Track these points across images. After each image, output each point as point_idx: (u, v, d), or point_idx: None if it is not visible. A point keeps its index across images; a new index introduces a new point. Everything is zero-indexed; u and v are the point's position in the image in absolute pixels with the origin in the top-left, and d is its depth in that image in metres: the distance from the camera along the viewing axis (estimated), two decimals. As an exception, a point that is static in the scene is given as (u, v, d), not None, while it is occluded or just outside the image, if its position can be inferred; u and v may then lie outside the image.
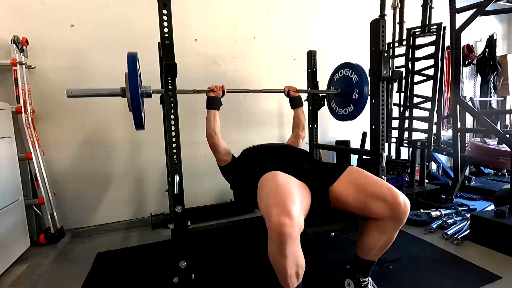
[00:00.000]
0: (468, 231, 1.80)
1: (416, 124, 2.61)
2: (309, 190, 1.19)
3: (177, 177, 1.22)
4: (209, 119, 1.50)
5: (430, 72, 2.47)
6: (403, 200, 1.10)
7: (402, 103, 2.64)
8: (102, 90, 1.37)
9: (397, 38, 2.62)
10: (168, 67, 1.18)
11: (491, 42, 3.60)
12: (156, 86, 1.91)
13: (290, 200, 0.97)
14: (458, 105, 2.45)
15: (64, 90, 2.03)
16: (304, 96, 2.25)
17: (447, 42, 2.61)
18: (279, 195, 1.00)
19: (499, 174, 3.29)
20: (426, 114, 2.48)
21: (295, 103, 1.84)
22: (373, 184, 1.17)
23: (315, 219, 1.14)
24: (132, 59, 1.21)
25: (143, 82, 1.40)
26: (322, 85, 2.27)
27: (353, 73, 1.78)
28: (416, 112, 2.59)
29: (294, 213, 0.92)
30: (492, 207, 2.16)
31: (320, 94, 2.09)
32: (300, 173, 1.22)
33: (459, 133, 2.48)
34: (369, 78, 1.59)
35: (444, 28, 2.43)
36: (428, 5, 2.46)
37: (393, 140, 2.75)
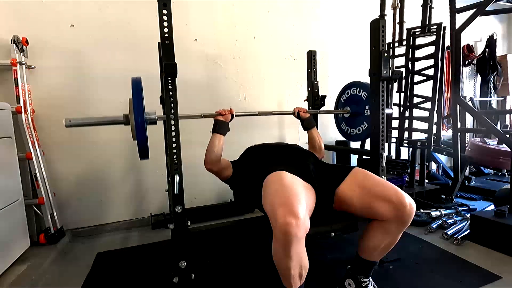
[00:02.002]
0: (468, 231, 1.80)
1: (416, 124, 2.60)
2: (314, 191, 1.18)
3: (177, 177, 1.22)
4: (213, 143, 1.40)
5: (430, 72, 2.47)
6: (409, 202, 1.09)
7: (402, 103, 2.64)
8: (103, 118, 1.29)
9: (397, 38, 2.61)
10: (168, 67, 1.17)
11: (491, 42, 3.60)
12: (156, 87, 1.93)
13: (296, 200, 0.97)
14: (458, 105, 2.45)
15: (63, 90, 2.06)
16: (304, 96, 2.26)
17: (447, 42, 2.60)
18: (285, 195, 1.00)
19: (499, 174, 3.29)
20: (426, 114, 2.48)
21: (307, 124, 1.69)
22: (379, 185, 1.16)
23: (316, 219, 1.14)
24: (137, 85, 1.17)
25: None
26: (322, 85, 2.27)
27: (361, 90, 1.76)
28: (416, 112, 2.59)
29: (301, 214, 0.91)
30: (492, 207, 2.15)
31: (321, 94, 2.09)
32: (306, 174, 1.22)
33: (459, 133, 2.48)
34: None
35: (444, 28, 2.42)
36: (428, 5, 2.46)
37: (393, 140, 2.75)
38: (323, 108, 2.15)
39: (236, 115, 1.54)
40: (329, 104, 2.24)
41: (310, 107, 2.15)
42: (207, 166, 1.42)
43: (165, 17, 1.18)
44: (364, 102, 1.74)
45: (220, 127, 1.44)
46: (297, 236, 0.90)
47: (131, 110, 1.17)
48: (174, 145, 1.23)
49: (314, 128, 1.70)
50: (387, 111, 1.51)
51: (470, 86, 3.85)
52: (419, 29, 2.49)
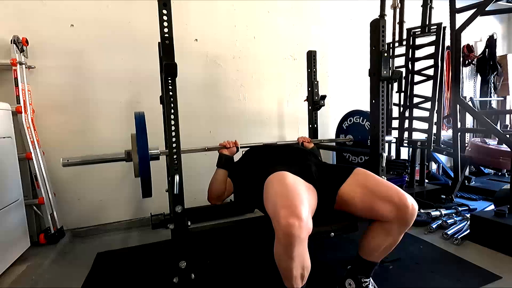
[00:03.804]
0: (468, 231, 1.80)
1: (416, 124, 2.61)
2: (315, 192, 1.18)
3: (177, 177, 1.22)
4: (219, 178, 1.39)
5: (430, 72, 2.46)
6: (411, 203, 1.09)
7: (402, 103, 2.64)
8: (103, 156, 1.24)
9: (397, 38, 2.61)
10: (168, 67, 1.17)
11: (491, 42, 3.60)
12: (156, 87, 1.93)
13: (299, 201, 0.96)
14: (458, 105, 2.45)
15: (63, 90, 2.06)
16: (304, 96, 2.26)
17: (447, 42, 2.60)
18: (288, 196, 0.99)
19: (499, 174, 3.29)
20: (426, 114, 2.48)
21: None
22: (381, 186, 1.16)
23: (316, 219, 1.14)
24: (140, 121, 1.14)
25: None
26: (322, 85, 2.27)
27: (364, 120, 1.75)
28: (416, 112, 2.59)
29: (303, 215, 0.91)
30: (492, 207, 2.15)
31: (320, 94, 2.09)
32: (307, 175, 1.21)
33: (459, 133, 2.48)
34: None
35: (444, 28, 2.42)
36: (428, 5, 2.46)
37: (393, 140, 2.75)
38: (322, 109, 2.15)
39: (241, 147, 1.51)
40: (329, 104, 2.24)
41: (310, 107, 2.15)
42: (212, 201, 1.42)
43: (165, 17, 1.18)
44: (367, 131, 1.71)
45: (226, 162, 1.44)
46: (299, 238, 0.89)
47: (134, 147, 1.13)
48: (174, 145, 1.23)
49: (317, 159, 1.68)
50: (387, 138, 1.49)
51: (470, 86, 3.85)
52: (419, 29, 2.49)
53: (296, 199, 0.97)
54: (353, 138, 1.82)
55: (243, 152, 1.59)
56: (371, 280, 1.26)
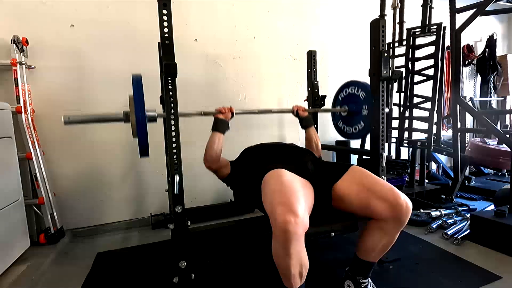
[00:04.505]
0: (468, 231, 1.80)
1: (416, 124, 2.61)
2: (312, 188, 1.19)
3: (177, 177, 1.22)
4: (213, 141, 1.39)
5: (430, 72, 2.47)
6: (405, 201, 1.10)
7: (402, 103, 2.64)
8: (102, 116, 1.29)
9: (397, 38, 2.61)
10: (168, 67, 1.17)
11: (491, 42, 3.60)
12: (156, 87, 1.93)
13: (295, 198, 0.97)
14: (458, 105, 2.45)
15: (63, 90, 2.06)
16: (304, 96, 2.26)
17: (447, 42, 2.60)
18: (284, 193, 1.00)
19: (499, 174, 3.29)
20: (426, 114, 2.48)
21: (305, 123, 1.68)
22: (376, 184, 1.16)
23: (316, 219, 1.14)
24: (137, 82, 1.16)
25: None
26: (322, 85, 2.27)
27: (360, 90, 1.75)
28: (416, 112, 2.59)
29: (299, 212, 0.92)
30: (492, 207, 2.15)
31: (321, 94, 2.09)
32: (304, 171, 1.22)
33: (459, 133, 2.48)
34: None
35: (444, 28, 2.42)
36: (428, 5, 2.46)
37: (393, 140, 2.75)
38: (322, 108, 2.15)
39: (236, 113, 1.52)
40: (329, 104, 2.24)
41: (310, 107, 2.15)
42: (206, 164, 1.42)
43: (165, 17, 1.18)
44: (361, 101, 1.73)
45: (220, 126, 1.43)
46: (296, 234, 0.90)
47: (131, 107, 1.16)
48: (174, 145, 1.23)
49: (312, 127, 1.70)
50: (386, 109, 1.51)
51: (470, 86, 3.85)
52: (419, 29, 2.49)
53: (292, 196, 0.98)
54: (347, 109, 1.83)
55: (240, 153, 1.59)
56: (370, 280, 1.27)
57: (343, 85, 1.92)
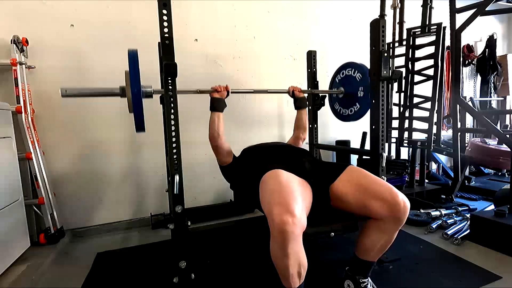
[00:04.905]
0: (468, 231, 1.80)
1: (416, 124, 2.61)
2: (310, 188, 1.19)
3: (177, 177, 1.22)
4: (213, 120, 1.44)
5: (430, 72, 2.47)
6: (403, 200, 1.10)
7: (402, 103, 2.64)
8: (99, 89, 1.32)
9: (397, 38, 2.62)
10: (168, 67, 1.17)
11: (491, 42, 3.60)
12: (156, 87, 1.92)
13: (292, 198, 0.97)
14: (458, 105, 2.45)
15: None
16: (304, 96, 2.26)
17: (447, 42, 2.61)
18: (281, 193, 1.00)
19: (499, 174, 3.29)
20: (426, 114, 2.48)
21: (300, 104, 1.77)
22: (373, 183, 1.16)
23: (315, 219, 1.14)
24: (133, 57, 1.19)
25: (142, 82, 1.36)
26: (322, 85, 2.27)
27: (356, 71, 1.76)
28: (416, 112, 2.59)
29: (296, 212, 0.92)
30: (492, 207, 2.16)
31: (320, 94, 2.09)
32: (302, 172, 1.22)
33: (459, 133, 2.48)
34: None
35: (444, 28, 2.43)
36: (428, 5, 2.47)
37: (393, 140, 2.75)
38: (323, 109, 2.14)
39: (231, 92, 1.54)
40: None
41: (310, 107, 2.15)
42: (212, 140, 1.46)
43: (165, 17, 1.18)
44: (358, 83, 1.74)
45: (217, 105, 1.47)
46: (293, 234, 0.90)
47: (127, 82, 1.17)
48: (174, 145, 1.23)
49: (304, 109, 1.80)
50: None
51: (470, 86, 3.85)
52: (419, 29, 2.50)
53: (290, 196, 0.98)
54: (343, 91, 1.84)
55: (240, 153, 1.59)
56: (370, 280, 1.27)
57: (340, 66, 1.92)
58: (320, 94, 2.08)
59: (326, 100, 2.05)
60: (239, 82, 2.52)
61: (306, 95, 2.21)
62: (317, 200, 1.19)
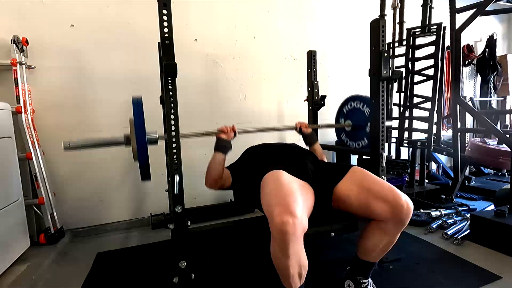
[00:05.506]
0: (468, 231, 1.80)
1: (416, 124, 2.61)
2: (312, 190, 1.18)
3: (177, 177, 1.22)
4: (215, 163, 1.36)
5: (430, 72, 2.47)
6: (406, 202, 1.09)
7: (402, 103, 2.64)
8: (103, 140, 1.27)
9: (397, 38, 2.62)
10: (168, 67, 1.17)
11: (491, 42, 3.60)
12: (156, 87, 1.93)
13: (292, 199, 0.97)
14: (458, 105, 2.45)
15: (63, 90, 2.06)
16: (304, 96, 2.26)
17: (447, 42, 2.61)
18: (282, 194, 1.00)
19: (499, 174, 3.29)
20: (426, 114, 2.48)
21: (309, 140, 1.69)
22: (376, 185, 1.16)
23: (315, 219, 1.14)
24: (138, 104, 1.14)
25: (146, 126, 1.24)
26: (322, 84, 2.27)
27: (365, 105, 1.72)
28: (416, 112, 2.59)
29: (297, 212, 0.92)
30: (492, 207, 2.15)
31: (320, 94, 2.09)
32: (304, 173, 1.22)
33: (459, 133, 2.48)
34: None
35: (444, 28, 2.42)
36: (428, 5, 2.47)
37: (393, 140, 2.75)
38: (322, 109, 2.15)
39: (238, 132, 1.48)
40: (329, 104, 2.24)
41: (310, 107, 2.15)
42: (208, 185, 1.40)
43: (165, 17, 1.18)
44: (366, 118, 1.68)
45: (222, 146, 1.39)
46: (294, 235, 0.90)
47: (132, 131, 1.13)
48: (174, 145, 1.23)
49: (316, 144, 1.69)
50: (387, 123, 1.50)
51: (470, 86, 3.85)
52: (419, 29, 2.50)
53: (290, 197, 0.98)
54: (351, 124, 1.81)
55: (242, 152, 1.59)
56: (370, 280, 1.27)
57: (347, 98, 1.87)
58: (320, 94, 2.08)
59: (331, 118, 2.00)
60: (239, 82, 2.52)
61: (305, 94, 2.21)
62: (319, 202, 1.18)
